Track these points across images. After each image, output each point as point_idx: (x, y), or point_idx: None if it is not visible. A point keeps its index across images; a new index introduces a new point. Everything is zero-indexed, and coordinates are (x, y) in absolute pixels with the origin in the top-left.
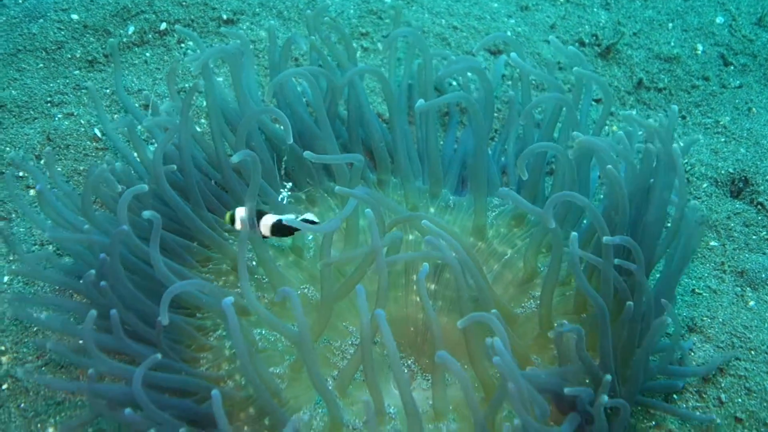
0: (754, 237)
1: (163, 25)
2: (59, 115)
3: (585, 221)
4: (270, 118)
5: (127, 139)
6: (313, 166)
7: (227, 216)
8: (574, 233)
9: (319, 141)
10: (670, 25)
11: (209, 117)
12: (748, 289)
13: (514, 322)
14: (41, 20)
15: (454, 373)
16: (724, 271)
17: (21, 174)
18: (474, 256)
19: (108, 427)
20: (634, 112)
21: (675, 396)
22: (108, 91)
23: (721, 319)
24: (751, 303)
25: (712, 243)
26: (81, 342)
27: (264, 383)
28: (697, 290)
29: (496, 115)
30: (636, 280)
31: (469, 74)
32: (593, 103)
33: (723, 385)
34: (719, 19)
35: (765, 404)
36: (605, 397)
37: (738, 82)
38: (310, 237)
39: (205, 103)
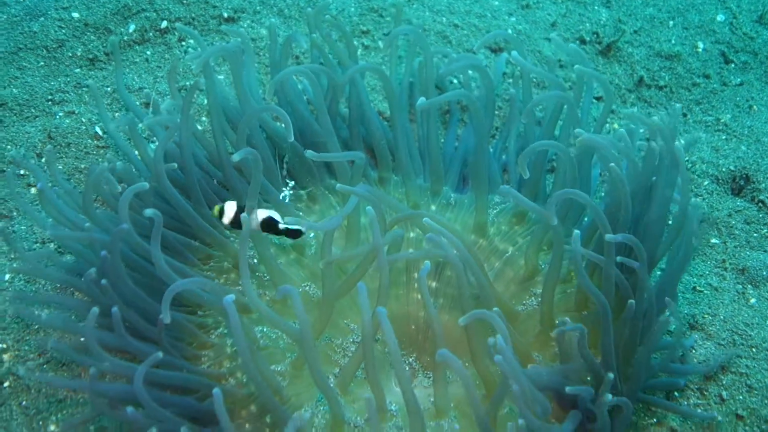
0: (755, 234)
1: (164, 24)
2: (60, 114)
3: (586, 219)
4: (271, 116)
5: (129, 137)
6: (314, 164)
7: (216, 209)
8: (576, 231)
9: (320, 139)
10: (671, 22)
11: (210, 115)
12: (749, 286)
13: (516, 319)
14: (42, 18)
15: (455, 370)
16: (725, 268)
17: (22, 172)
18: (475, 253)
19: (110, 425)
20: (635, 110)
21: (676, 393)
22: (109, 89)
23: (722, 317)
24: (752, 300)
25: (713, 240)
26: (82, 339)
27: (265, 381)
28: (698, 288)
29: (497, 112)
30: (638, 278)
31: (470, 72)
32: (594, 101)
33: (724, 382)
34: (720, 17)
35: (766, 401)
36: (609, 396)
37: (739, 79)
38: (312, 235)
39: (206, 101)
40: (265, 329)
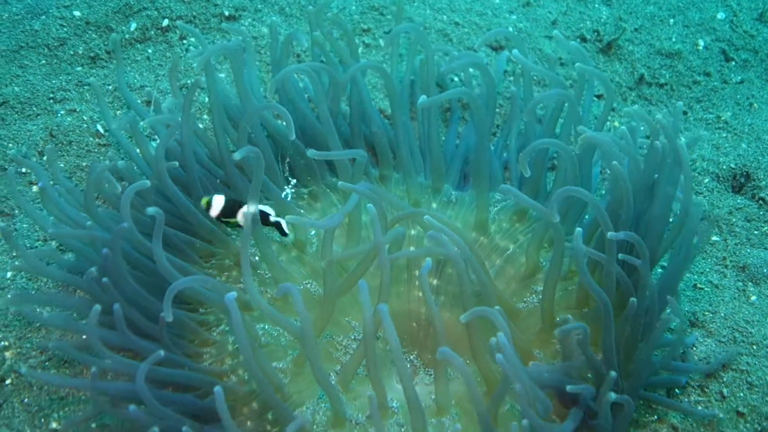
0: (755, 232)
1: (165, 22)
2: (62, 112)
3: (587, 216)
4: (272, 115)
5: (130, 135)
6: (315, 162)
7: (204, 201)
8: (578, 229)
9: (321, 137)
10: (672, 20)
11: (212, 113)
12: (749, 284)
13: (517, 316)
14: (43, 17)
15: (456, 368)
16: (725, 266)
17: (24, 170)
18: (476, 251)
19: (112, 422)
20: (636, 108)
21: (677, 390)
22: (110, 87)
23: (722, 314)
24: (753, 298)
25: (714, 238)
26: (84, 337)
27: (267, 378)
28: (698, 285)
29: (498, 110)
30: (640, 275)
31: (471, 70)
32: (595, 98)
33: (725, 379)
34: (720, 15)
35: (767, 399)
36: (613, 395)
37: (739, 77)
38: (313, 232)
39: (207, 100)
40: (266, 327)
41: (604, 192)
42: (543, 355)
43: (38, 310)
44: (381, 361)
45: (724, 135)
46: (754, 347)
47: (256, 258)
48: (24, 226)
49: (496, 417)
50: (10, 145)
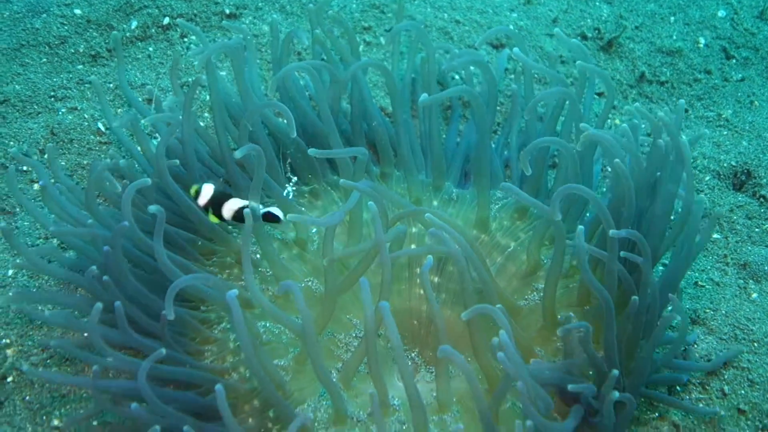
0: (756, 230)
1: (166, 20)
2: (63, 110)
3: (588, 214)
4: (273, 113)
5: (131, 133)
6: (316, 160)
7: (193, 189)
8: (580, 227)
9: (322, 135)
10: (672, 18)
11: (213, 111)
12: (750, 281)
13: (518, 314)
14: (44, 15)
15: (458, 365)
16: (726, 263)
17: (25, 168)
18: (477, 248)
19: (113, 420)
20: (637, 105)
21: (678, 387)
22: (111, 85)
23: (723, 311)
24: (754, 295)
25: (715, 235)
26: (86, 335)
27: (268, 375)
28: (699, 282)
29: (498, 108)
30: (642, 273)
31: (471, 68)
32: (595, 96)
33: (726, 377)
34: (721, 13)
35: None
36: (616, 393)
37: (740, 75)
38: (314, 230)
39: (208, 98)
40: (267, 324)
41: (605, 190)
42: (544, 352)
43: (39, 308)
44: (382, 359)
45: (725, 133)
46: (755, 344)
47: (258, 255)
48: (25, 224)
49: (498, 414)
50: (12, 143)
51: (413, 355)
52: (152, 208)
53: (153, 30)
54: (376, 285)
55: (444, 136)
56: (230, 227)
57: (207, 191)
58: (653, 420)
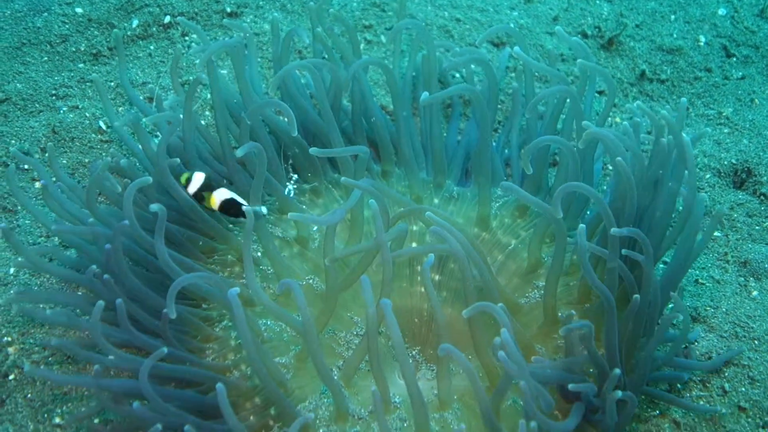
0: (757, 227)
1: (167, 18)
2: (64, 108)
3: (589, 212)
4: (274, 111)
5: (132, 132)
6: (317, 159)
7: (183, 177)
8: (582, 225)
9: (322, 133)
10: (673, 16)
11: (214, 110)
12: (751, 279)
13: (519, 311)
14: (45, 14)
15: (459, 363)
16: (727, 261)
17: (26, 167)
18: (478, 246)
19: (114, 418)
20: (639, 103)
21: (679, 385)
22: (112, 84)
23: (724, 309)
24: (755, 293)
25: (716, 233)
26: (87, 334)
27: (270, 373)
28: (700, 280)
29: (499, 107)
30: (643, 271)
31: (472, 66)
32: (596, 95)
33: (726, 374)
34: (721, 11)
35: None
36: (619, 393)
37: (740, 73)
38: (315, 228)
39: (209, 96)
40: (269, 322)
41: (606, 188)
42: (545, 350)
43: (41, 306)
44: (383, 357)
45: (726, 131)
46: (756, 342)
47: (259, 254)
48: (26, 222)
49: (498, 411)
50: (13, 141)
51: (414, 352)
52: (154, 206)
53: (154, 28)
54: (377, 283)
55: (445, 134)
56: (231, 225)
57: (197, 179)
58: (654, 417)
